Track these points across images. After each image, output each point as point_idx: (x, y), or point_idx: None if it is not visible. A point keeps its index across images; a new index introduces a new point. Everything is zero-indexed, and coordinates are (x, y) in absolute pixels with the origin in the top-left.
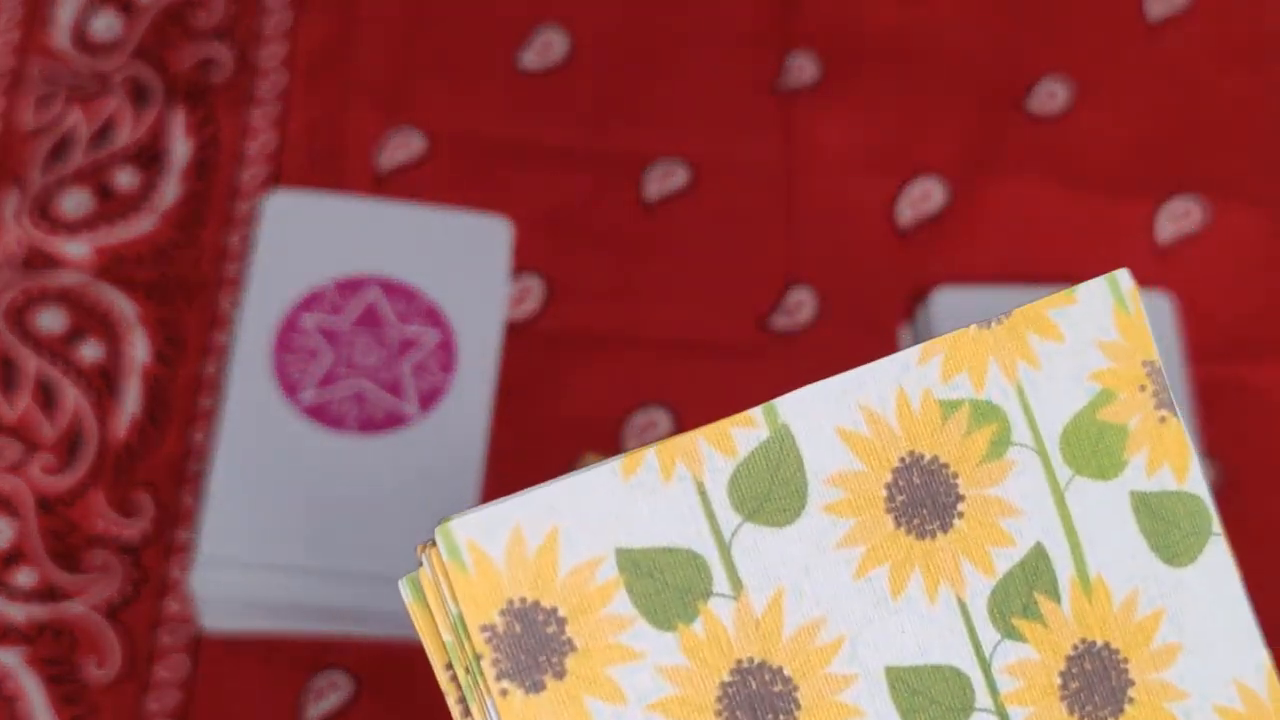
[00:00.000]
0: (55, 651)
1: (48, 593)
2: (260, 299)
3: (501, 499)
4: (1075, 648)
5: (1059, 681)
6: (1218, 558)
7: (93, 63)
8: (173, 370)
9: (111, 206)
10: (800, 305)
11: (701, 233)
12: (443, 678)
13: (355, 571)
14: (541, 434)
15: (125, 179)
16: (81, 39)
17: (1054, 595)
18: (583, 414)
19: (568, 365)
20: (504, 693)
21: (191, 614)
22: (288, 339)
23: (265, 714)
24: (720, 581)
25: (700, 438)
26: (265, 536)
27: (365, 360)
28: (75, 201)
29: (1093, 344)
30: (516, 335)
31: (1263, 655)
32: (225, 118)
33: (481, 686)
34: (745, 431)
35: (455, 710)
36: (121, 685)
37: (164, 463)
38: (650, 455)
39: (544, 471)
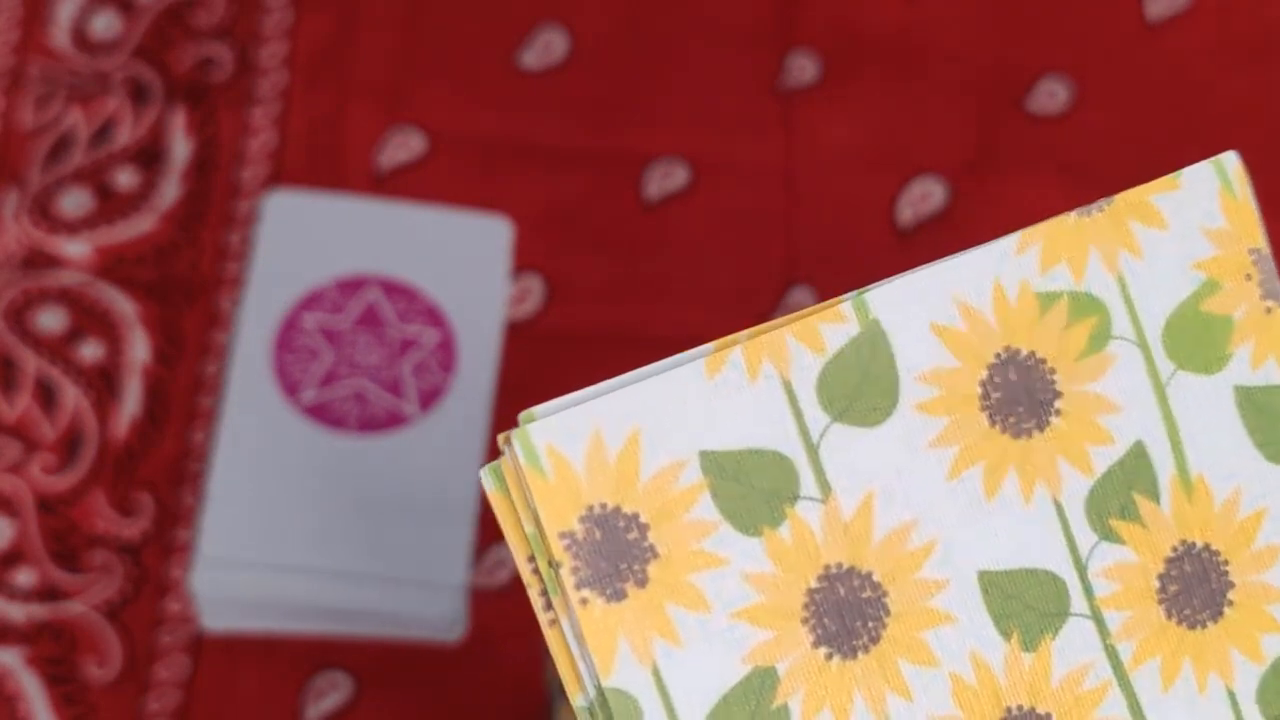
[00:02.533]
0: (55, 651)
1: (48, 593)
2: (260, 298)
3: (580, 393)
4: (1174, 550)
5: (1157, 585)
6: None
7: (93, 62)
8: (173, 370)
9: (111, 206)
10: (800, 305)
11: (701, 233)
12: (525, 570)
13: (355, 571)
14: None
15: (125, 179)
16: (81, 39)
17: (1153, 495)
18: None
19: (568, 365)
20: (584, 602)
21: (191, 614)
22: (288, 338)
23: (265, 714)
24: (808, 484)
25: (788, 333)
26: (265, 536)
27: (365, 360)
28: (75, 201)
29: (1198, 230)
30: (516, 335)
31: None
32: (225, 117)
33: (562, 590)
34: (834, 327)
35: (537, 604)
36: (121, 685)
37: (164, 463)
38: (736, 353)
39: None
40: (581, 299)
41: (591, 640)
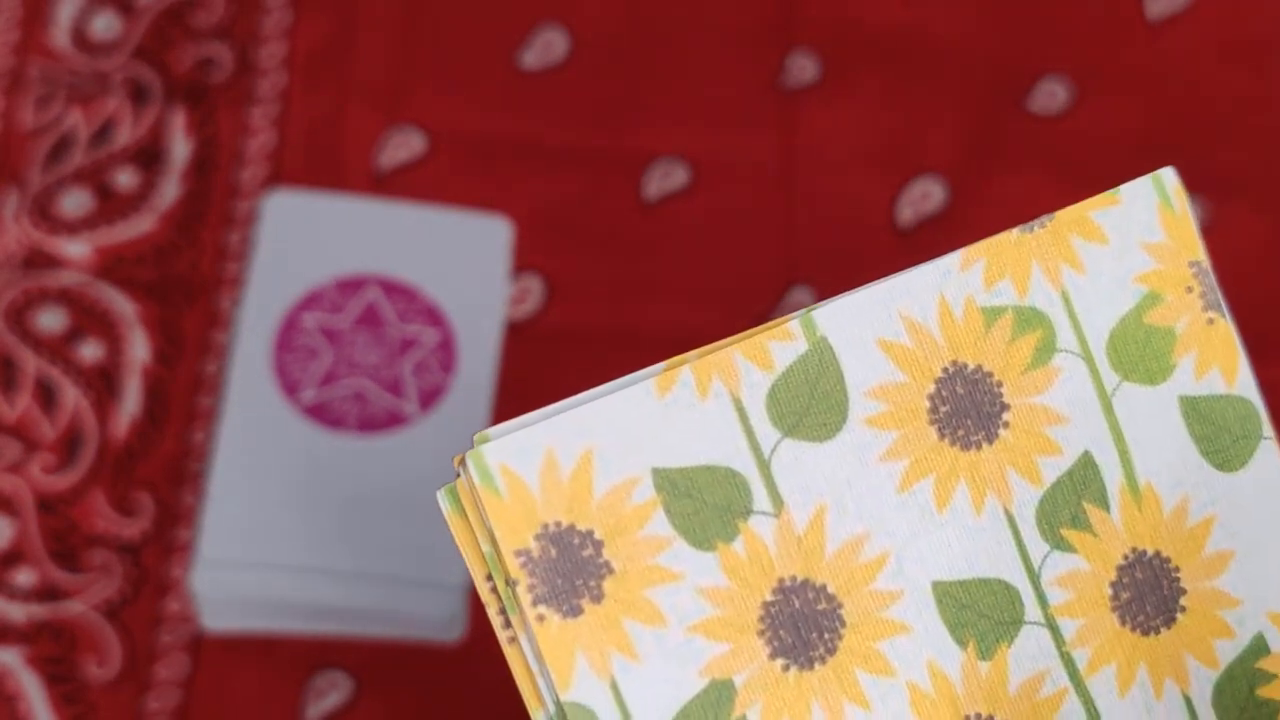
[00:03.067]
0: (55, 651)
1: (48, 592)
2: (260, 298)
3: (533, 415)
4: (1126, 557)
5: (1110, 592)
6: (1269, 462)
7: (93, 63)
8: (173, 370)
9: (111, 206)
10: (800, 305)
11: (701, 233)
12: (483, 589)
13: (355, 571)
14: None
15: (125, 179)
16: (81, 39)
17: (1103, 504)
18: None
19: (568, 365)
20: (540, 618)
21: (191, 613)
22: (288, 338)
23: (265, 714)
24: (760, 499)
25: (736, 352)
26: (265, 536)
27: (365, 360)
28: (75, 201)
29: (1138, 245)
30: (516, 335)
31: None
32: (225, 118)
33: (519, 608)
34: (783, 345)
35: (496, 622)
36: (121, 685)
37: (164, 462)
38: (685, 372)
39: None
40: (581, 299)
41: (549, 656)
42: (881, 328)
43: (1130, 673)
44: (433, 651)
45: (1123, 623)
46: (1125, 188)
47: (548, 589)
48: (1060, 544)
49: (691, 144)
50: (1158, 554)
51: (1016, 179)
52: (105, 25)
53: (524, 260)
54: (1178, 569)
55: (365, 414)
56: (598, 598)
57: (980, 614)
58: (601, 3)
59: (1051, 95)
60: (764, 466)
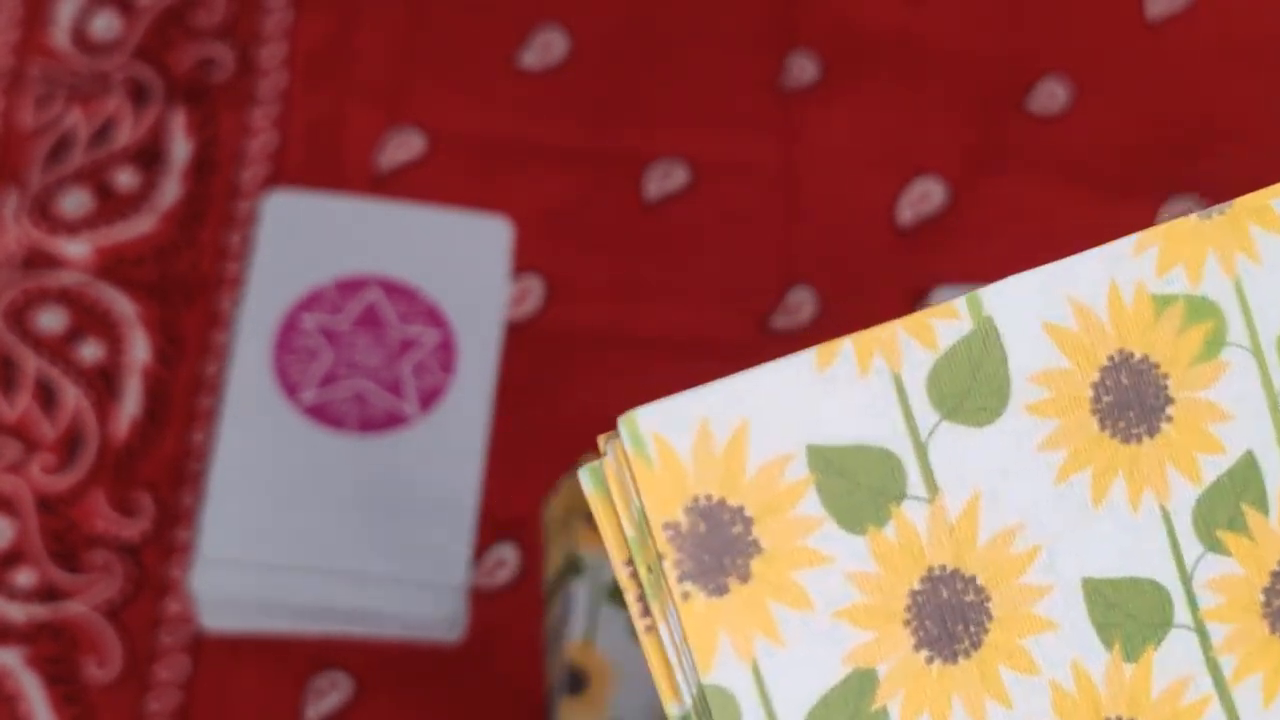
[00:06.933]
0: (55, 651)
1: (48, 593)
2: (260, 299)
3: (685, 392)
4: None
5: (1262, 599)
6: None
7: (93, 63)
8: (173, 370)
9: (111, 206)
10: (800, 305)
11: (701, 233)
12: (622, 574)
13: (355, 571)
14: (541, 434)
15: (125, 179)
16: (81, 39)
17: (1262, 507)
18: (583, 414)
19: (568, 365)
20: (686, 595)
21: (192, 614)
22: (288, 339)
23: (265, 714)
24: (915, 483)
25: (899, 328)
26: (265, 536)
27: (365, 360)
28: (75, 201)
29: None
30: (516, 335)
31: None
32: (225, 118)
33: (664, 587)
34: (947, 323)
35: (634, 609)
36: (122, 685)
37: (164, 463)
38: (847, 346)
39: (544, 470)
40: (581, 299)
41: (692, 636)
42: (1049, 310)
43: (1277, 682)
44: (433, 651)
45: (1273, 630)
46: None
47: (695, 565)
48: (1215, 546)
49: (691, 144)
50: None
51: (1016, 179)
52: (105, 25)
53: (524, 260)
54: None
55: (365, 414)
56: (745, 577)
57: (1128, 614)
58: (601, 3)
59: (1051, 95)
60: (920, 449)
